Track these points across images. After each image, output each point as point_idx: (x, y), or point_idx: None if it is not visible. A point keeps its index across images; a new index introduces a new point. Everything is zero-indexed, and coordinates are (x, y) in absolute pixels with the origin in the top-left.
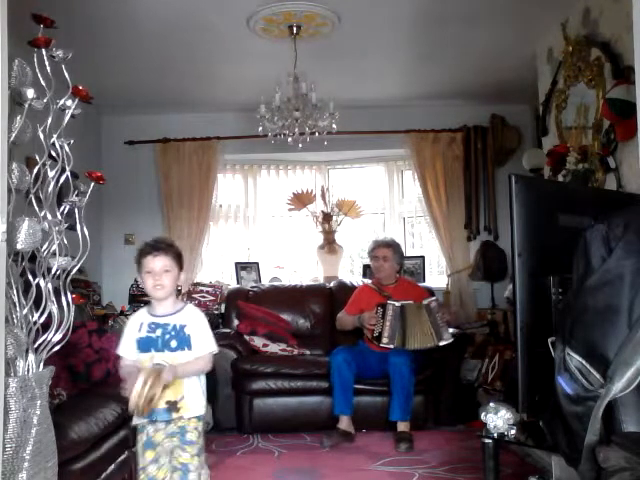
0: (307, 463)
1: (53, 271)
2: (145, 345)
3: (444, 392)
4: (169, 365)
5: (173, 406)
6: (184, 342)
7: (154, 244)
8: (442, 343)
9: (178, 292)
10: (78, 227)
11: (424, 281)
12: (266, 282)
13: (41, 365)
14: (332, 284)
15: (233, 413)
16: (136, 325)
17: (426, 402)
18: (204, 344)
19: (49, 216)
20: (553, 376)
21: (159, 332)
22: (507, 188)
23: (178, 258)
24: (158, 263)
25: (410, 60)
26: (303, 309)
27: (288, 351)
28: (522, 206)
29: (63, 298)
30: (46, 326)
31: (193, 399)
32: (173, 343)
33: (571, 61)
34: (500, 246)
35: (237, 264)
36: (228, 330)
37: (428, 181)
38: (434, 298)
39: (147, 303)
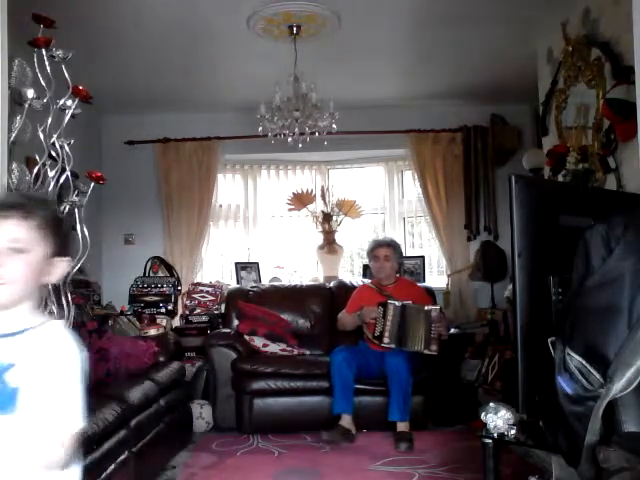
0: (307, 463)
1: None
2: None
3: (444, 392)
4: None
5: None
6: (5, 399)
7: (3, 200)
8: (427, 352)
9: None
10: (78, 227)
11: (424, 281)
12: (266, 282)
13: None
14: (332, 284)
15: (233, 413)
16: None
17: (426, 402)
18: (47, 406)
19: None
20: (553, 376)
21: None
22: (507, 188)
23: (50, 230)
24: (2, 233)
25: (410, 60)
26: (303, 309)
27: (288, 351)
28: (522, 206)
29: (63, 298)
30: None
31: None
32: None
33: (571, 61)
34: (500, 246)
35: (237, 264)
36: (228, 330)
37: (428, 181)
38: (437, 307)
39: (148, 304)
